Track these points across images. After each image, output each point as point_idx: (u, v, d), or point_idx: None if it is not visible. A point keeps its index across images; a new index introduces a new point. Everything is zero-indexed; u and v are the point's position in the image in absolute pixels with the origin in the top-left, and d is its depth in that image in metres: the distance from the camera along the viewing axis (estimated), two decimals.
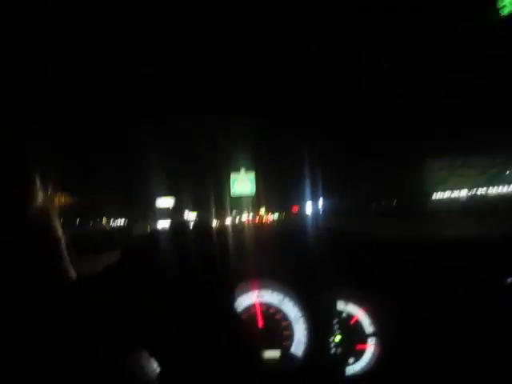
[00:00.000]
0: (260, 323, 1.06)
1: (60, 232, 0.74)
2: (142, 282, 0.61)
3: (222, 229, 0.79)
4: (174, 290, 0.58)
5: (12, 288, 0.61)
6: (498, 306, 1.01)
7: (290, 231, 1.36)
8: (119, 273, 0.71)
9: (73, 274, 0.76)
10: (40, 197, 0.69)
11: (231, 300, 0.63)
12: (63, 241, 0.74)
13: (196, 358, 0.54)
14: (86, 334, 0.61)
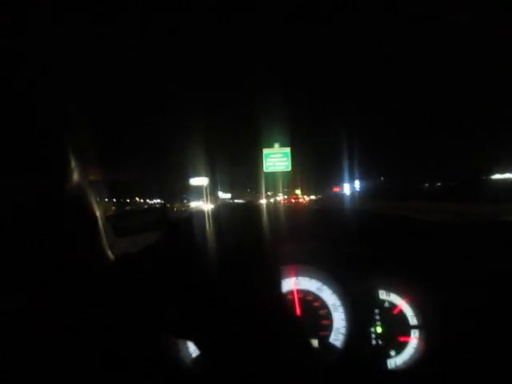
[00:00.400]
0: (298, 311, 1.01)
1: (97, 211, 0.71)
2: (183, 264, 0.58)
3: (257, 211, 0.74)
4: (217, 273, 0.54)
5: (50, 269, 0.59)
6: None
7: (328, 215, 1.30)
8: (159, 254, 0.69)
9: (110, 255, 0.74)
10: (76, 174, 0.66)
11: (279, 282, 0.59)
12: (100, 220, 0.72)
13: (243, 340, 0.51)
14: (123, 317, 0.59)
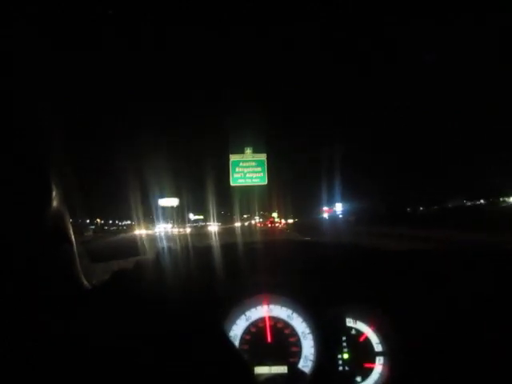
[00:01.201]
0: (269, 338, 1.04)
1: (72, 236, 0.72)
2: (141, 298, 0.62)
3: (228, 241, 0.78)
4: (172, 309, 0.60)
5: (23, 294, 0.59)
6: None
7: (300, 245, 1.35)
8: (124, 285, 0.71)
9: (84, 281, 0.74)
10: (56, 200, 0.67)
11: (220, 321, 0.63)
12: (75, 246, 0.73)
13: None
14: (95, 342, 0.60)
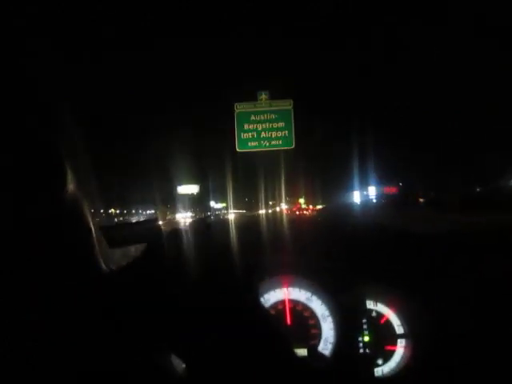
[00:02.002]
0: (288, 320, 1.03)
1: (91, 222, 0.72)
2: (163, 279, 0.60)
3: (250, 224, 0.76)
4: (198, 288, 0.57)
5: (42, 280, 0.59)
6: None
7: (319, 228, 1.33)
8: (143, 269, 0.71)
9: (103, 266, 0.74)
10: (72, 185, 0.67)
11: (257, 297, 0.61)
12: (94, 231, 0.72)
13: (224, 353, 0.52)
14: (115, 328, 0.60)
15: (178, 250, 0.70)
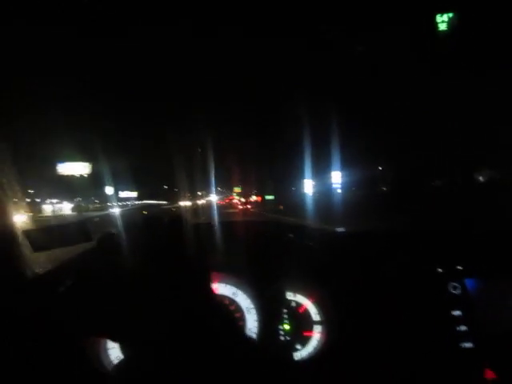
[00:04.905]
0: None
1: (16, 229, 0.75)
2: (107, 277, 0.62)
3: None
4: (145, 281, 0.58)
5: None
6: (442, 298, 1.13)
7: (242, 226, 1.43)
8: (83, 267, 0.73)
9: (28, 271, 0.77)
10: None
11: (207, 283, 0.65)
12: (19, 238, 0.75)
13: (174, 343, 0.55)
14: (43, 327, 0.62)
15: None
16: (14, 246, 0.74)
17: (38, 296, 0.68)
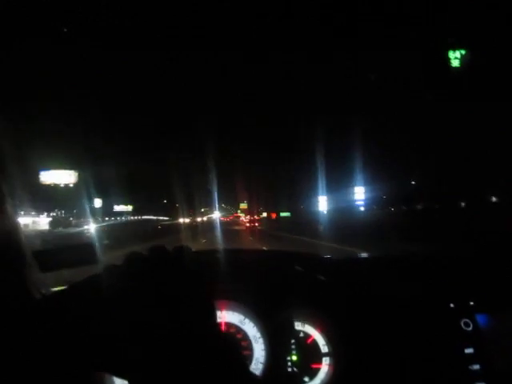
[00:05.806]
0: None
1: (23, 248, 0.72)
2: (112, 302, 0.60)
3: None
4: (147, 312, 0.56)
5: None
6: (454, 335, 1.10)
7: (251, 254, 1.41)
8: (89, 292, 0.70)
9: (36, 293, 0.74)
10: (8, 207, 0.68)
11: (213, 314, 0.62)
12: (27, 257, 0.73)
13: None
14: (48, 356, 0.59)
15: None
16: (24, 266, 0.72)
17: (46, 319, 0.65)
